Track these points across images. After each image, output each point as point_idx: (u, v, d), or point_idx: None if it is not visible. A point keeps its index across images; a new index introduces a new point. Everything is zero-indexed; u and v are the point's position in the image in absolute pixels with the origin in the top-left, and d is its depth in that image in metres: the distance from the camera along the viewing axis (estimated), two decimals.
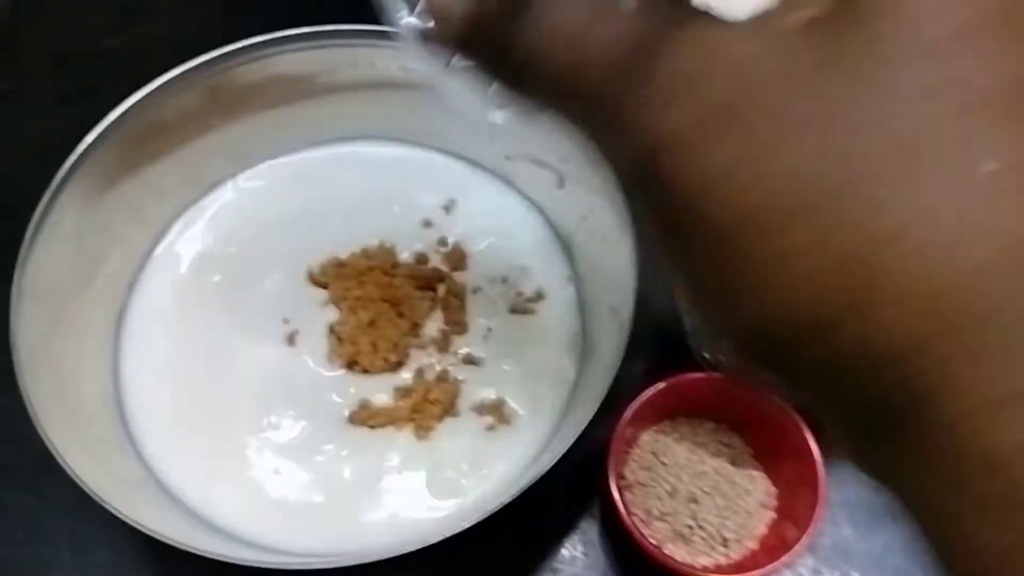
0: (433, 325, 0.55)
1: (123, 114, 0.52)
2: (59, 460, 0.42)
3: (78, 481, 0.41)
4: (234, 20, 0.74)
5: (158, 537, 0.41)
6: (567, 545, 0.52)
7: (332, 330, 0.54)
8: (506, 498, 0.42)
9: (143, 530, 0.41)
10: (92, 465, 0.44)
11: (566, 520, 0.53)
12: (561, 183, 0.56)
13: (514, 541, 0.52)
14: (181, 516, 0.48)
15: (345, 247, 0.57)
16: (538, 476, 0.43)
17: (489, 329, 0.55)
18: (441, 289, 0.56)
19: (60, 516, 0.52)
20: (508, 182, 0.60)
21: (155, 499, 0.48)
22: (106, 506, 0.41)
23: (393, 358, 0.53)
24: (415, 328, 0.55)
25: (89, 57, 0.71)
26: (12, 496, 0.53)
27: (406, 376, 0.53)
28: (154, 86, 0.53)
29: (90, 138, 0.51)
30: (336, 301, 0.55)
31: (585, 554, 0.52)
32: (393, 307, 0.55)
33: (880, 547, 0.52)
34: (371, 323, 0.54)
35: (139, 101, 0.52)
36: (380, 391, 0.52)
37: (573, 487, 0.54)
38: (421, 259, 0.57)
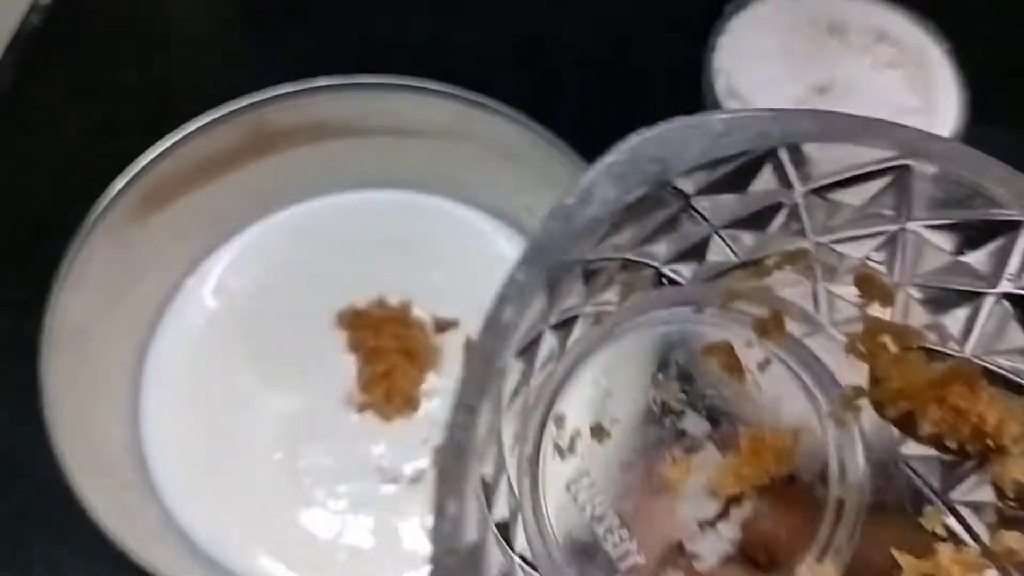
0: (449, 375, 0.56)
1: (155, 157, 0.52)
2: (86, 508, 0.42)
3: (107, 533, 0.42)
4: (256, 54, 0.75)
5: None
6: None
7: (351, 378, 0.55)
8: None
9: None
10: (117, 513, 0.45)
11: None
12: None
13: None
14: (202, 565, 0.48)
15: (365, 294, 0.58)
16: None
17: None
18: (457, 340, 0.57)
19: (81, 558, 0.52)
20: (528, 235, 0.61)
21: (176, 547, 0.48)
22: (133, 559, 0.41)
23: (407, 409, 0.54)
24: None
25: (115, 92, 0.72)
26: (32, 536, 0.53)
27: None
28: (184, 132, 0.53)
29: (122, 181, 0.51)
30: (353, 349, 0.56)
31: None
32: (407, 358, 0.56)
33: None
34: (386, 374, 0.55)
35: (171, 145, 0.53)
36: (404, 438, 0.53)
37: None
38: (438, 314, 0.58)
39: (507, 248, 0.61)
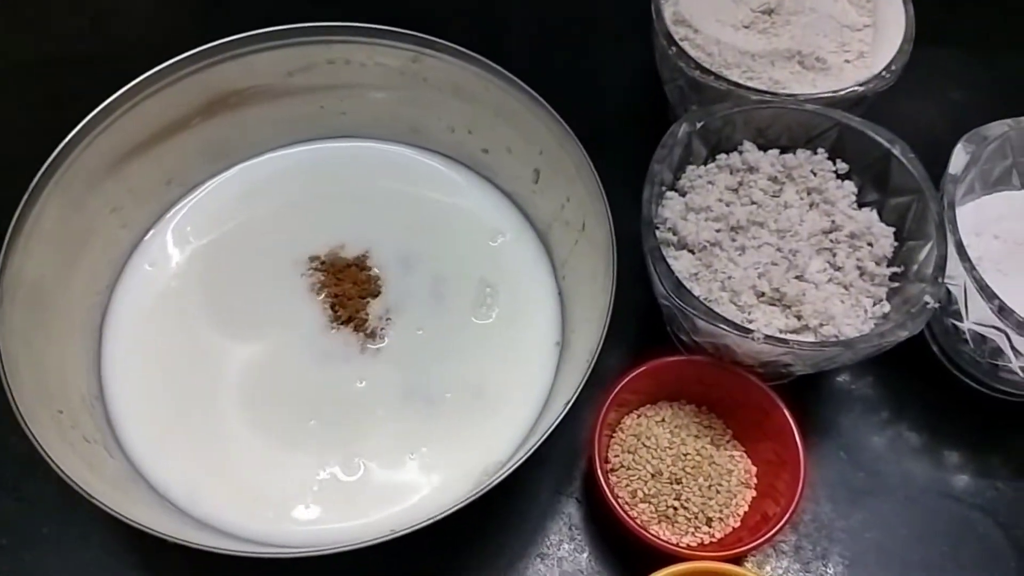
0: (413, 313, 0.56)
1: (99, 114, 0.52)
2: (48, 460, 0.42)
3: (67, 480, 0.41)
4: (208, 22, 0.75)
5: (147, 531, 0.41)
6: (553, 531, 0.53)
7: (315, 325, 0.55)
8: (492, 481, 0.42)
9: (133, 525, 0.41)
10: (80, 465, 0.45)
11: (552, 505, 0.54)
12: (536, 178, 0.57)
13: (501, 527, 0.53)
14: (168, 512, 0.48)
15: (324, 244, 0.58)
16: (524, 458, 0.43)
17: (481, 323, 0.56)
18: (420, 278, 0.57)
19: (45, 520, 0.52)
20: (486, 177, 0.61)
21: (142, 496, 0.48)
22: (96, 503, 0.41)
23: (371, 348, 0.54)
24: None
25: (65, 62, 0.71)
26: None
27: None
28: (129, 86, 0.53)
29: (68, 139, 0.51)
30: (316, 297, 0.56)
31: (571, 538, 0.53)
32: (365, 298, 0.56)
33: (859, 523, 0.54)
34: (349, 319, 0.55)
35: (114, 101, 0.53)
36: (357, 382, 0.53)
37: (558, 472, 0.54)
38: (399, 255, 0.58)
39: (465, 188, 0.60)
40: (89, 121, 0.52)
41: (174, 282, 0.56)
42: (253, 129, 0.59)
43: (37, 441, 0.43)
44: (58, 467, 0.42)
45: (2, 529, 0.52)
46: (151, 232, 0.58)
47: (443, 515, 0.42)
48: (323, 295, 0.56)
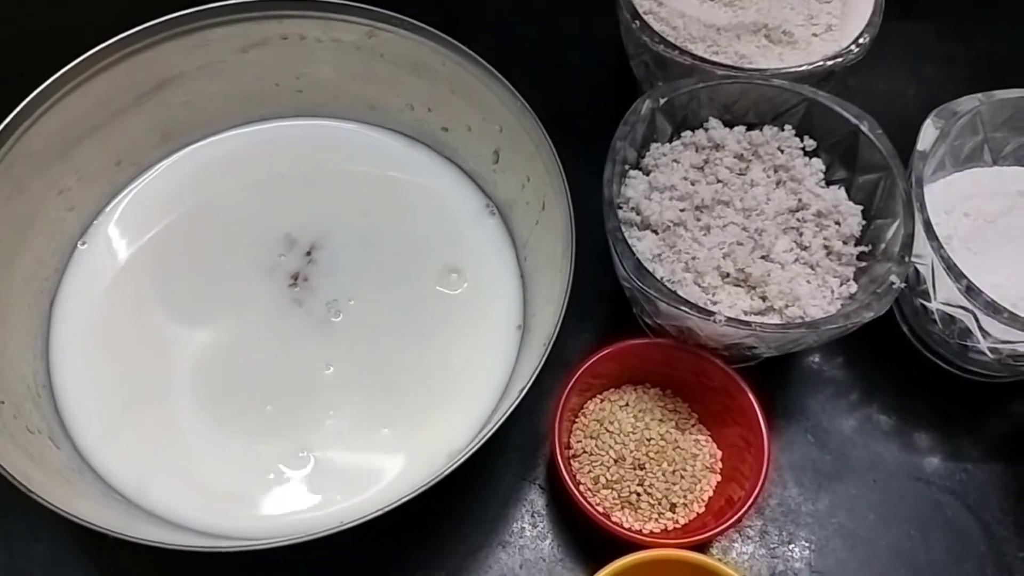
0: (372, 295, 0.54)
1: (41, 94, 0.50)
2: None
3: (7, 475, 0.40)
4: (163, 2, 0.72)
5: (93, 527, 0.40)
6: (516, 518, 0.52)
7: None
8: (446, 469, 0.41)
9: (78, 521, 0.40)
10: (23, 457, 0.43)
11: (514, 492, 0.52)
12: (496, 158, 0.56)
13: (462, 514, 0.52)
14: (117, 505, 0.47)
15: (280, 225, 0.56)
16: (480, 442, 0.42)
17: (442, 303, 0.54)
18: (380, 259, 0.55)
19: None
20: (446, 156, 0.59)
21: (90, 489, 0.47)
22: (35, 498, 0.40)
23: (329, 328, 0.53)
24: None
25: (15, 41, 0.69)
26: None
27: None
28: (74, 63, 0.51)
29: (8, 120, 0.49)
30: (272, 280, 0.54)
31: (533, 525, 0.52)
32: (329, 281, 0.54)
33: (825, 507, 0.53)
34: (305, 303, 0.54)
35: (58, 79, 0.51)
36: (316, 366, 0.52)
37: (522, 458, 0.53)
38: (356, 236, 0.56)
39: (425, 167, 0.59)
40: (31, 101, 0.50)
41: (125, 266, 0.55)
42: (206, 108, 0.58)
43: None
44: (5, 469, 0.40)
45: None
46: (101, 215, 0.56)
47: (398, 503, 0.41)
48: (279, 278, 0.54)
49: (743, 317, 0.48)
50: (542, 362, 0.43)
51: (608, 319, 0.58)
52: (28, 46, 0.68)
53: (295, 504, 0.48)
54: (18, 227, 0.51)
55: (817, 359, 0.58)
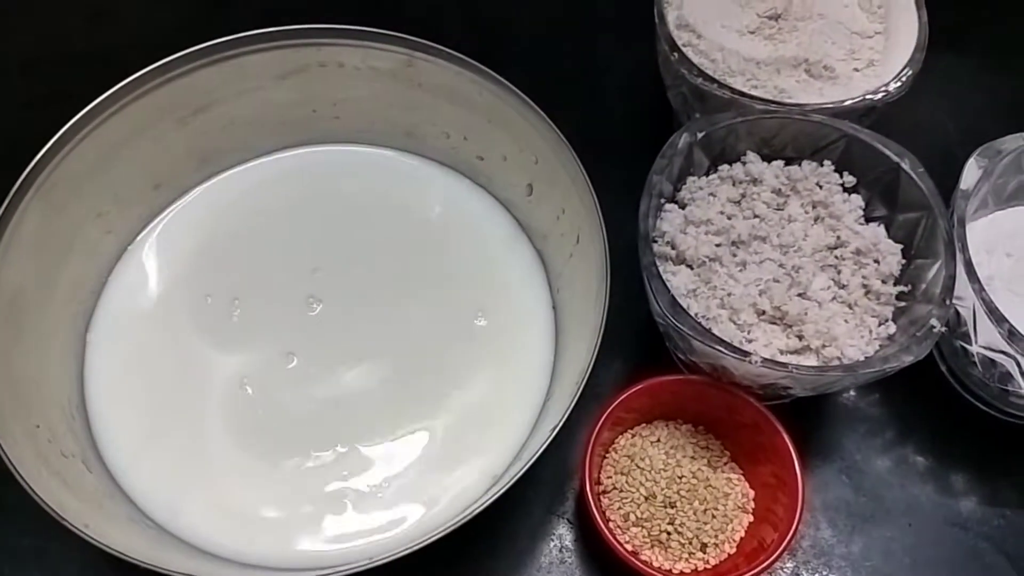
0: (405, 324, 0.54)
1: (84, 117, 0.51)
2: (18, 478, 0.41)
3: (36, 498, 0.40)
4: (204, 22, 0.73)
5: (123, 557, 0.40)
6: (545, 551, 0.51)
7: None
8: (477, 507, 0.41)
9: (100, 546, 0.40)
10: (57, 483, 0.44)
11: (542, 526, 0.52)
12: (530, 190, 0.55)
13: (489, 548, 0.51)
14: (148, 530, 0.47)
15: (315, 251, 0.56)
16: (509, 484, 0.42)
17: (474, 333, 0.54)
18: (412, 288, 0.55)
19: (26, 533, 0.51)
20: (481, 185, 0.59)
21: (122, 513, 0.47)
22: (68, 526, 0.40)
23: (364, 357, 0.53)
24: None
25: (58, 61, 0.70)
26: None
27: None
28: (116, 88, 0.52)
29: (50, 143, 0.50)
30: (308, 306, 0.54)
31: (562, 560, 0.51)
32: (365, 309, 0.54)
33: (859, 550, 0.52)
34: (342, 331, 0.53)
35: (100, 104, 0.51)
36: (349, 394, 0.52)
37: (551, 492, 0.53)
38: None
39: (460, 196, 0.59)
40: (73, 124, 0.50)
41: (160, 290, 0.55)
42: (244, 133, 0.58)
43: (11, 462, 0.41)
44: (31, 488, 0.41)
45: None
46: (137, 238, 0.57)
47: (432, 539, 0.40)
48: (313, 304, 0.54)
49: (779, 357, 0.47)
50: (573, 402, 0.43)
51: (639, 352, 0.57)
52: (68, 67, 0.69)
53: (324, 536, 0.48)
54: (57, 249, 0.52)
55: (852, 395, 0.57)
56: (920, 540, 0.52)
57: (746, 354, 0.45)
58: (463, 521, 0.41)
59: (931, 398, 0.57)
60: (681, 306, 0.46)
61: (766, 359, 0.45)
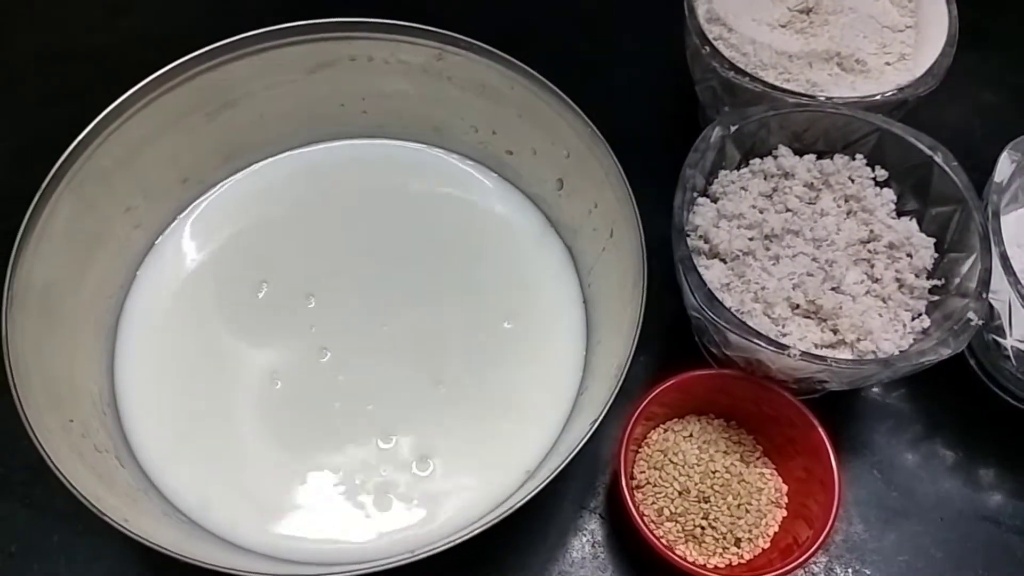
0: (435, 317, 0.54)
1: (112, 112, 0.50)
2: (56, 472, 0.41)
3: (75, 493, 0.40)
4: (222, 16, 0.73)
5: (157, 548, 0.40)
6: (577, 546, 0.51)
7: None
8: (518, 502, 0.41)
9: (142, 541, 0.40)
10: (92, 478, 0.43)
11: (574, 521, 0.52)
12: (561, 185, 0.55)
13: (523, 543, 0.51)
14: (180, 525, 0.47)
15: (345, 245, 0.56)
16: (549, 479, 0.41)
17: (504, 327, 0.54)
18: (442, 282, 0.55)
19: (55, 528, 0.51)
20: (509, 179, 0.59)
21: (155, 508, 0.47)
22: (105, 519, 0.40)
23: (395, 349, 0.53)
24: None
25: (76, 55, 0.70)
26: (4, 508, 0.51)
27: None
28: (144, 83, 0.51)
29: (80, 138, 0.49)
30: (337, 300, 0.54)
31: (594, 555, 0.51)
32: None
33: (892, 544, 0.52)
34: (372, 324, 0.53)
35: (128, 98, 0.51)
36: (380, 387, 0.51)
37: (582, 487, 0.53)
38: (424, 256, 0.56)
39: (488, 190, 0.59)
40: (103, 119, 0.50)
41: (190, 284, 0.55)
42: (272, 127, 0.58)
43: (48, 457, 0.41)
44: (70, 484, 0.40)
45: (11, 537, 0.51)
46: (166, 232, 0.56)
47: (467, 536, 0.40)
48: (343, 297, 0.54)
49: (815, 351, 0.47)
50: (613, 396, 0.43)
51: (670, 346, 0.57)
52: (89, 62, 0.69)
53: (357, 531, 0.48)
54: (87, 244, 0.51)
55: (881, 390, 0.57)
56: (952, 534, 0.52)
57: (784, 347, 0.45)
58: (503, 516, 0.41)
59: (958, 392, 0.57)
60: (718, 299, 0.46)
61: (804, 352, 0.45)
